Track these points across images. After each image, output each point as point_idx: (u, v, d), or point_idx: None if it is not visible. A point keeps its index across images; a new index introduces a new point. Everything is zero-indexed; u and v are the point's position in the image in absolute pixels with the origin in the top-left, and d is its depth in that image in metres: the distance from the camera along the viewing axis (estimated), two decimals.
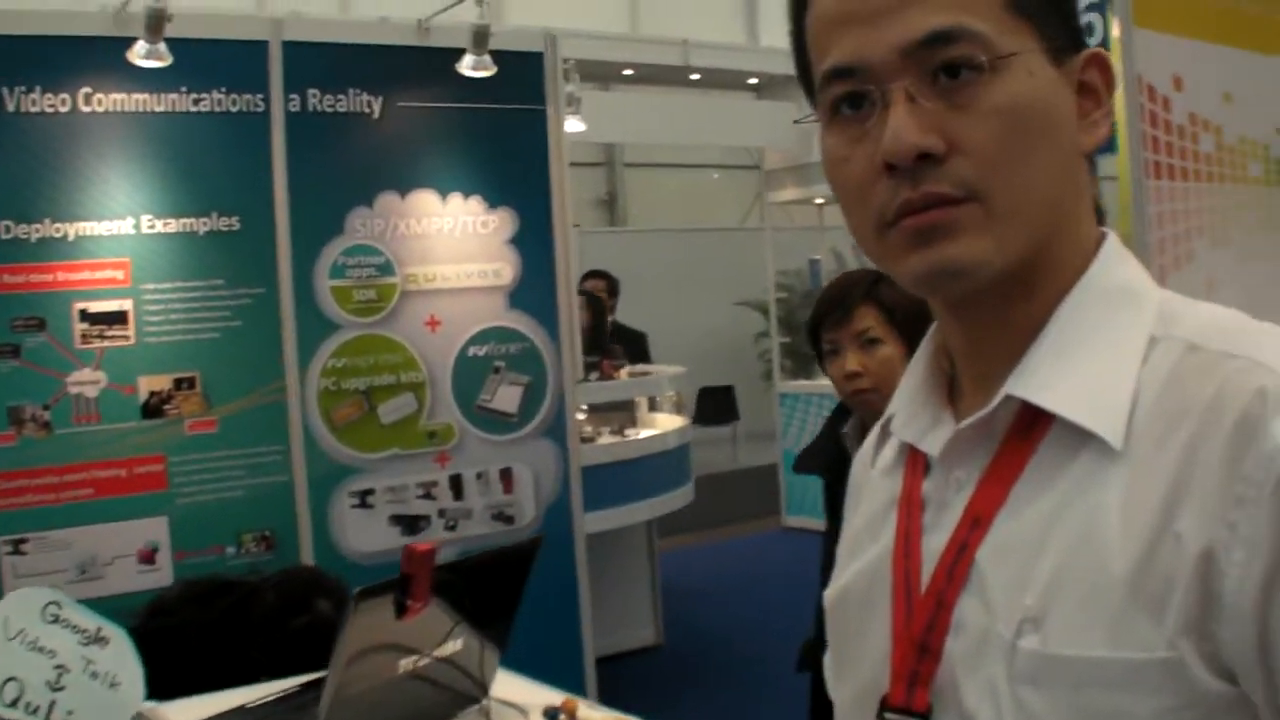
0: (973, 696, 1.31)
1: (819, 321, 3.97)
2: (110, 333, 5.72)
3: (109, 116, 5.74)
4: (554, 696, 3.15)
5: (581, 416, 7.98)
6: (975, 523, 1.35)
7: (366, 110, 6.34)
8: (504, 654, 3.12)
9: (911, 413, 1.50)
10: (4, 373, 5.54)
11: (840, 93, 1.35)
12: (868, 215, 1.36)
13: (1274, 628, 1.15)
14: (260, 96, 6.05)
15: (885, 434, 1.58)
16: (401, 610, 2.67)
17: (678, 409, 10.08)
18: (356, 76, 6.32)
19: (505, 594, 3.06)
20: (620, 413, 9.29)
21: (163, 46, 5.58)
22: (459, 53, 6.41)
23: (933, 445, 1.44)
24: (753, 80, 16.70)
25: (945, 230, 1.31)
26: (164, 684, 3.80)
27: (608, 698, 7.39)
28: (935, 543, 1.39)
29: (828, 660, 1.67)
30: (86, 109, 5.69)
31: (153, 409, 5.81)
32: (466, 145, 6.64)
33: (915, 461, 1.49)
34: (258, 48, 6.06)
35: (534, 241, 6.78)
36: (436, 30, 6.50)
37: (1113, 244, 1.42)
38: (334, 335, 6.26)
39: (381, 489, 6.37)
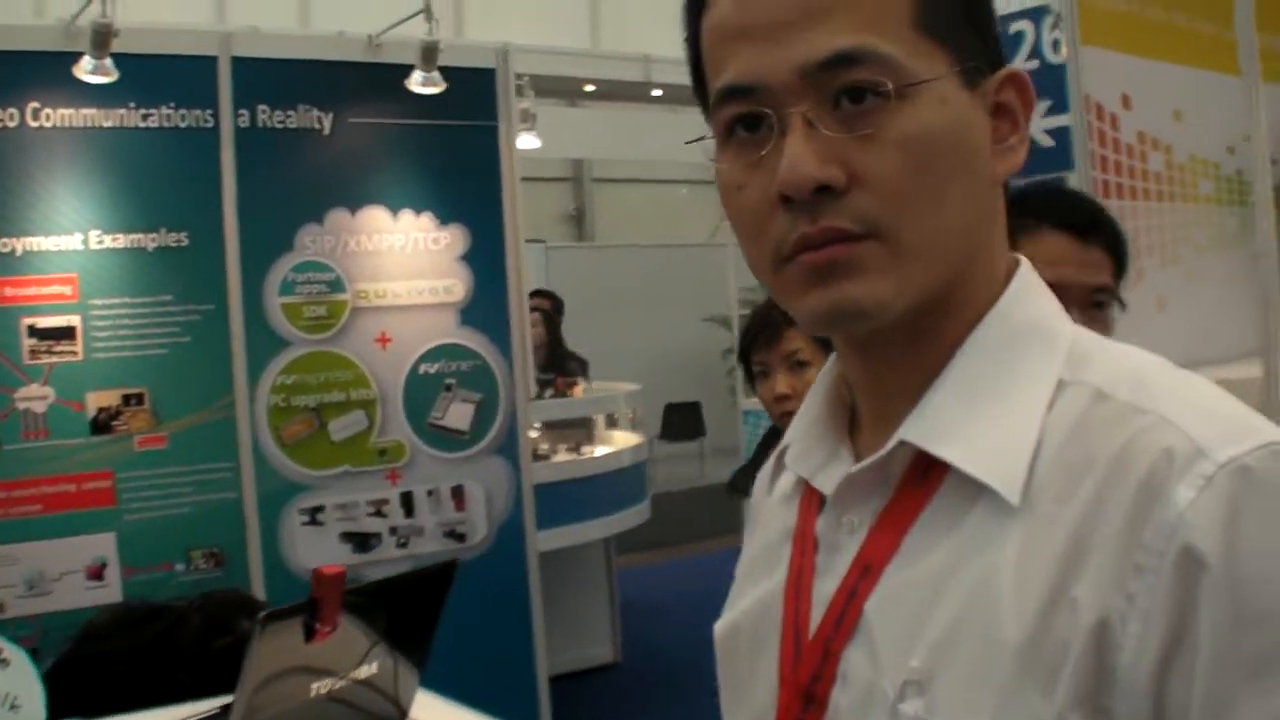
0: None
1: (749, 343, 3.97)
2: (58, 348, 5.71)
3: (57, 131, 5.73)
4: (475, 718, 3.14)
5: (535, 434, 7.97)
6: (865, 570, 1.29)
7: (317, 126, 6.34)
8: (422, 676, 3.11)
9: (807, 446, 1.43)
10: None
11: (735, 114, 1.27)
12: (764, 248, 1.28)
13: (1170, 704, 1.10)
14: (209, 112, 6.04)
15: (781, 463, 1.51)
16: (310, 634, 2.66)
17: (634, 426, 10.05)
18: (307, 92, 6.32)
19: (422, 616, 3.04)
20: (577, 430, 9.27)
21: (109, 62, 5.57)
22: (410, 69, 6.41)
23: (826, 483, 1.37)
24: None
25: (845, 268, 1.23)
26: (91, 709, 3.80)
27: (564, 715, 7.39)
28: (826, 587, 1.33)
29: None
30: (34, 124, 5.68)
31: (101, 425, 5.80)
32: (418, 161, 6.63)
33: (811, 496, 1.42)
34: (207, 63, 6.06)
35: (486, 258, 6.77)
36: (388, 46, 6.49)
37: (1024, 275, 1.36)
38: (284, 352, 6.26)
39: (332, 506, 6.36)
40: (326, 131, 6.37)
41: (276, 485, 6.23)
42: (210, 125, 6.05)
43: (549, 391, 8.90)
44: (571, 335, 10.82)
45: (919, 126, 1.22)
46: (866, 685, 1.25)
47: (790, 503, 1.47)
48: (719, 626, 1.54)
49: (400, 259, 6.55)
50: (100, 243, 5.82)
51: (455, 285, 6.67)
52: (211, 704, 3.09)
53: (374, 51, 6.46)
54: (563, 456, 8.75)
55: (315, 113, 6.33)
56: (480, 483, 6.74)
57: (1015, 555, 1.18)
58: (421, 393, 6.61)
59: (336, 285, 6.38)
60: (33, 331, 5.67)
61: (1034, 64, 12.47)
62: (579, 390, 9.27)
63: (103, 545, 5.77)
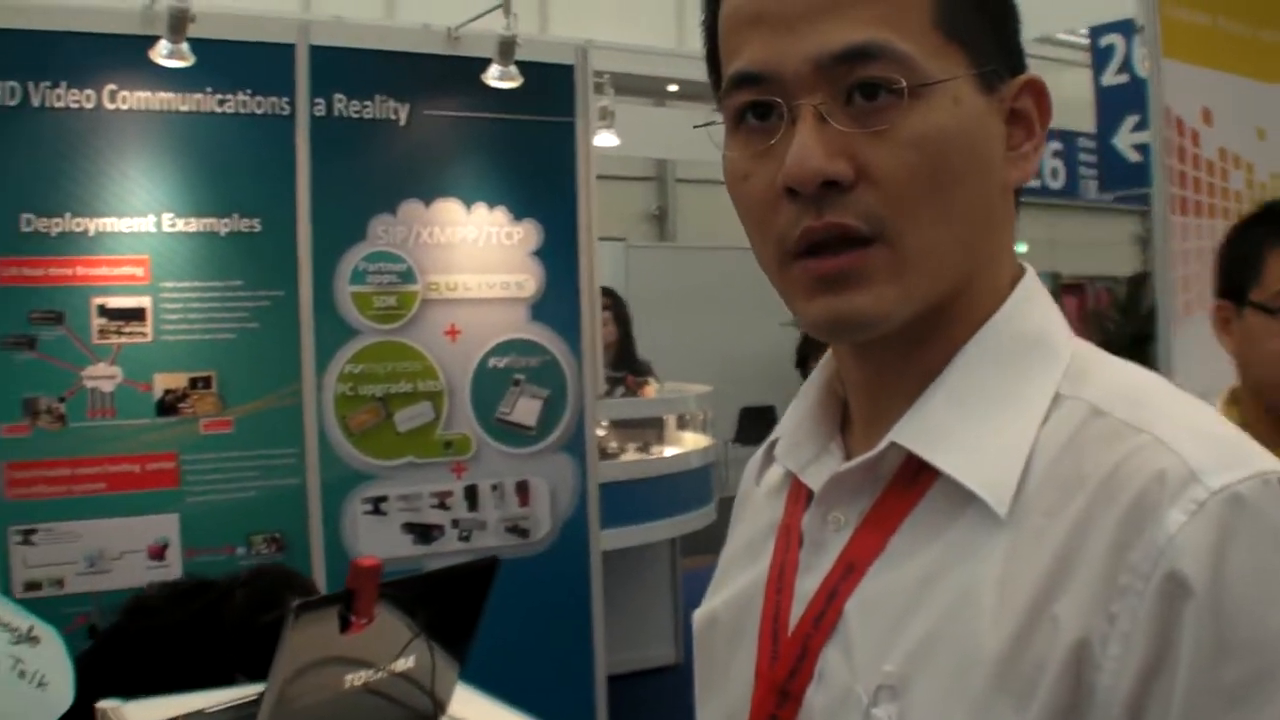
0: None
1: (808, 348, 3.95)
2: (128, 329, 5.74)
3: (133, 114, 5.76)
4: (515, 718, 3.13)
5: (603, 432, 7.96)
6: (849, 570, 1.28)
7: (393, 117, 6.35)
8: (462, 671, 3.11)
9: (797, 440, 1.42)
10: (21, 365, 5.56)
11: (746, 101, 1.25)
12: (769, 240, 1.27)
13: None
14: (286, 100, 6.06)
15: (770, 455, 1.48)
16: (346, 625, 2.65)
17: (705, 428, 10.00)
18: (384, 82, 6.32)
19: (463, 612, 3.04)
20: (647, 430, 9.26)
21: (185, 46, 5.59)
22: (488, 62, 6.39)
23: (814, 479, 1.35)
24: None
25: (852, 279, 1.22)
26: (138, 683, 3.82)
27: (622, 715, 7.37)
28: (808, 584, 1.32)
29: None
30: (111, 106, 5.71)
31: (168, 406, 5.83)
32: (493, 155, 6.62)
33: (799, 490, 1.41)
34: (285, 50, 6.08)
35: (558, 254, 6.75)
36: (467, 39, 6.48)
37: (1028, 284, 1.34)
38: (352, 341, 6.27)
39: (395, 496, 6.36)
40: (402, 122, 6.38)
41: (341, 473, 6.23)
42: (286, 113, 6.07)
43: (619, 390, 8.87)
44: (649, 335, 10.73)
45: (931, 126, 1.21)
46: (843, 686, 1.25)
47: (778, 496, 1.47)
48: (697, 617, 1.54)
49: (472, 252, 6.54)
50: (173, 226, 5.84)
51: (527, 280, 6.66)
52: (245, 691, 3.10)
53: (452, 44, 6.46)
54: (630, 456, 8.73)
55: (392, 103, 6.33)
56: (545, 479, 6.72)
57: (999, 567, 1.17)
58: (489, 386, 6.60)
59: (408, 276, 6.38)
60: (103, 311, 5.70)
61: (1124, 78, 12.40)
62: (650, 390, 9.23)
63: (165, 526, 5.80)
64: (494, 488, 6.59)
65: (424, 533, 6.40)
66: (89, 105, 5.66)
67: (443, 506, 6.46)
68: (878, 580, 1.25)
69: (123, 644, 4.15)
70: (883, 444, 1.27)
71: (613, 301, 10.46)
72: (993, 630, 1.14)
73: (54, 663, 2.68)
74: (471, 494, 6.54)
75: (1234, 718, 1.06)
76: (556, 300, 6.75)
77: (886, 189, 1.20)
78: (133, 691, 3.60)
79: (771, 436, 1.48)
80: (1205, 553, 1.08)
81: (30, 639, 2.65)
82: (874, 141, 1.20)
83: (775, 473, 1.49)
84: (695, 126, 1.40)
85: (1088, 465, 1.17)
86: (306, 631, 2.60)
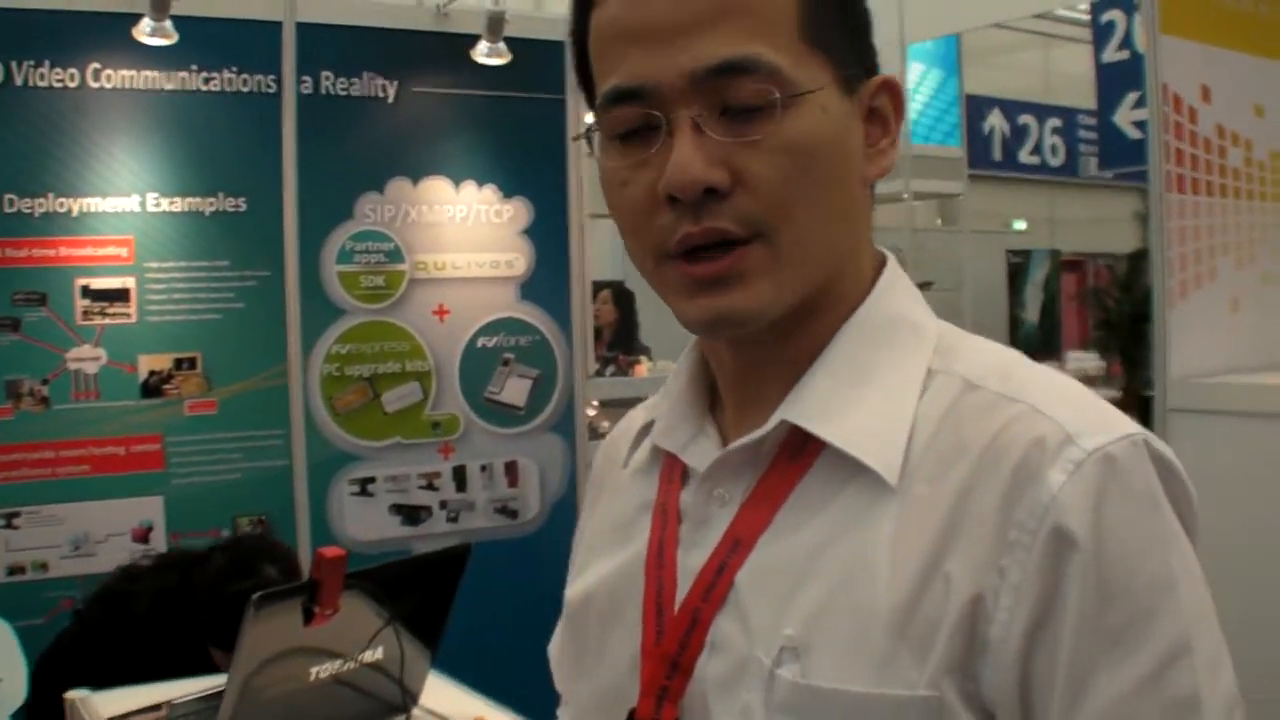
0: (724, 718, 1.30)
1: None
2: (112, 310, 5.69)
3: (117, 93, 5.71)
4: (485, 708, 3.11)
5: (593, 412, 7.91)
6: (736, 544, 1.34)
7: (380, 94, 6.29)
8: (434, 660, 3.08)
9: (672, 422, 1.47)
10: (3, 346, 5.52)
11: (624, 116, 1.30)
12: (646, 243, 1.33)
13: (1034, 671, 1.18)
14: (272, 77, 6.00)
15: (641, 437, 1.54)
16: (309, 617, 2.62)
17: None
18: (371, 60, 6.26)
19: (433, 601, 3.00)
20: None
21: (169, 24, 5.54)
22: (477, 39, 6.34)
23: (696, 459, 1.42)
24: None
25: (730, 280, 1.29)
26: (116, 652, 3.82)
27: None
28: (694, 560, 1.37)
29: (555, 651, 1.67)
30: (95, 85, 5.66)
31: (152, 388, 5.79)
32: (482, 133, 6.57)
33: (673, 470, 1.46)
34: (271, 28, 6.01)
35: (549, 233, 6.69)
36: (455, 15, 6.42)
37: (891, 272, 1.43)
38: (339, 321, 6.21)
39: (383, 478, 6.32)
40: (390, 100, 6.32)
41: (327, 455, 6.19)
42: (273, 91, 6.02)
43: (610, 369, 8.84)
44: (646, 315, 10.67)
45: (801, 134, 1.28)
46: (740, 656, 1.30)
47: (647, 476, 1.51)
48: (570, 595, 1.59)
49: (461, 231, 6.49)
50: (157, 205, 5.79)
51: (517, 259, 6.60)
52: (213, 681, 3.06)
53: (441, 20, 6.41)
54: (623, 424, 8.65)
55: (379, 81, 6.28)
56: (534, 459, 6.68)
57: (890, 532, 1.24)
58: (478, 366, 6.55)
59: (395, 255, 6.33)
60: (86, 292, 5.65)
61: (1124, 54, 12.36)
62: (641, 369, 9.20)
63: (149, 509, 5.76)
64: (483, 468, 6.54)
65: (412, 514, 6.36)
66: (72, 84, 5.61)
67: (431, 488, 6.42)
68: (767, 551, 1.32)
69: (104, 606, 4.15)
70: (772, 422, 1.33)
71: (615, 290, 10.44)
72: (889, 589, 1.22)
73: (7, 658, 2.65)
74: (460, 475, 6.49)
75: (1116, 656, 1.16)
76: (546, 279, 6.69)
77: (762, 194, 1.27)
78: (110, 663, 3.59)
79: (643, 420, 1.53)
80: (1085, 508, 1.17)
81: None
82: (749, 149, 1.27)
83: (641, 455, 1.54)
84: (574, 138, 1.44)
85: (968, 435, 1.26)
86: (268, 623, 2.57)
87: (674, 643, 1.34)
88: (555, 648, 1.69)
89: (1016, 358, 1.36)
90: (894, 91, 1.39)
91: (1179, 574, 1.20)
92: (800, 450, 1.33)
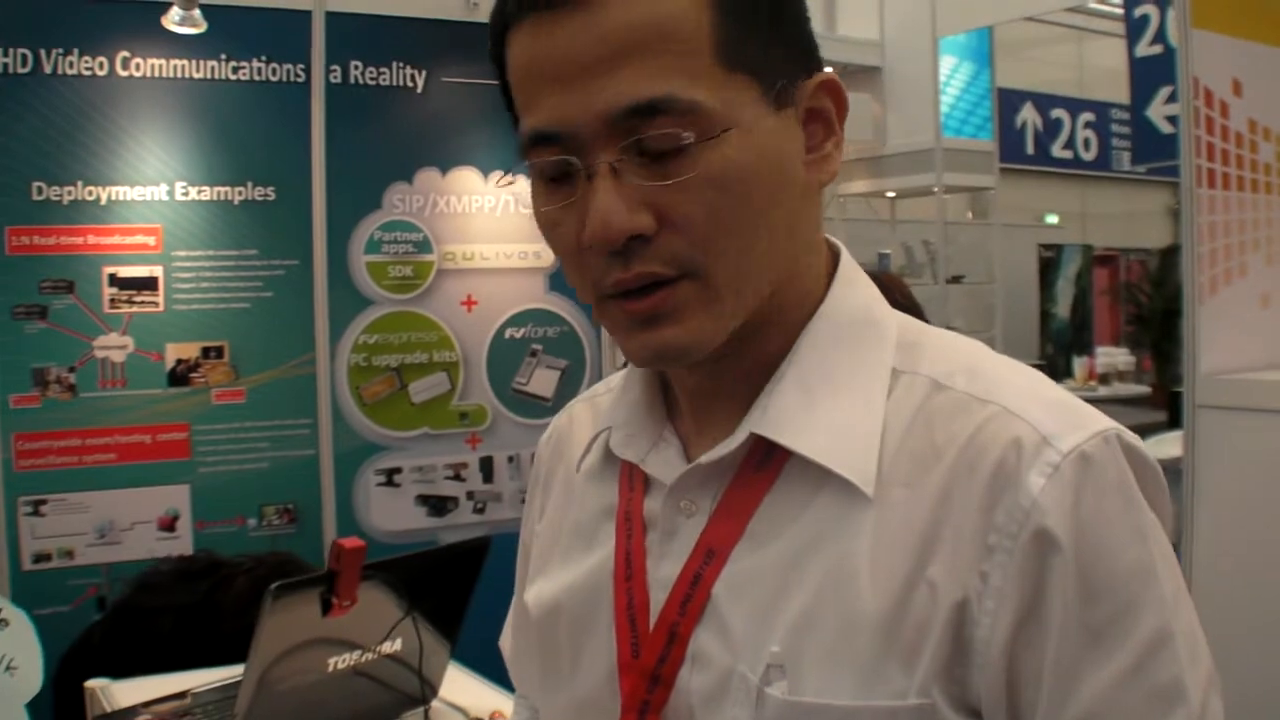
0: None
1: None
2: (139, 298, 5.71)
3: (146, 81, 5.72)
4: (504, 701, 3.10)
5: None
6: (709, 555, 1.31)
7: (409, 84, 6.30)
8: (454, 652, 3.07)
9: (630, 432, 1.44)
10: (31, 334, 5.54)
11: (545, 159, 1.26)
12: (584, 281, 1.30)
13: (1020, 671, 1.19)
14: (301, 66, 6.02)
15: (594, 442, 1.51)
16: (327, 608, 2.61)
17: None
18: (400, 49, 6.27)
19: (453, 593, 3.00)
20: None
21: (198, 13, 5.53)
22: None
23: (659, 469, 1.39)
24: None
25: (666, 316, 1.25)
26: (136, 659, 3.81)
27: None
28: (666, 571, 1.35)
29: (507, 650, 1.69)
30: (124, 73, 5.67)
31: (179, 377, 5.80)
32: (512, 123, 6.51)
33: (633, 476, 1.43)
34: (300, 17, 6.02)
35: None
36: (485, 4, 6.39)
37: (846, 267, 1.40)
38: (367, 311, 6.22)
39: (409, 468, 6.32)
40: (419, 89, 6.33)
41: (354, 444, 6.20)
42: (302, 80, 6.03)
43: None
44: None
45: (725, 167, 1.22)
46: (723, 669, 1.28)
47: (602, 480, 1.48)
48: (534, 599, 1.54)
49: (490, 221, 6.49)
50: (186, 194, 5.81)
51: (545, 250, 6.55)
52: (232, 672, 3.06)
53: (470, 10, 6.39)
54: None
55: (409, 70, 6.28)
56: None
57: (869, 540, 1.23)
58: (506, 357, 6.56)
59: (424, 245, 6.34)
60: (114, 280, 5.67)
61: (1158, 49, 12.30)
62: None
63: (176, 497, 5.78)
64: (510, 459, 6.54)
65: (438, 504, 6.36)
66: (101, 72, 5.63)
67: (457, 478, 6.42)
68: (743, 563, 1.29)
69: (127, 619, 4.14)
70: (739, 436, 1.31)
71: None
72: (872, 599, 1.21)
73: (24, 647, 2.64)
74: (487, 465, 6.49)
75: (1100, 651, 1.17)
76: None
77: (690, 233, 1.23)
78: (129, 671, 3.58)
79: (601, 428, 1.49)
80: (1065, 509, 1.18)
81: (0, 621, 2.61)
82: (672, 190, 1.22)
83: (594, 458, 1.51)
84: (498, 185, 1.41)
85: (940, 437, 1.25)
86: (286, 614, 2.56)
87: (653, 656, 1.33)
88: (508, 647, 1.71)
89: (980, 352, 1.35)
90: (834, 90, 1.33)
91: (1157, 561, 1.21)
92: (767, 459, 1.31)
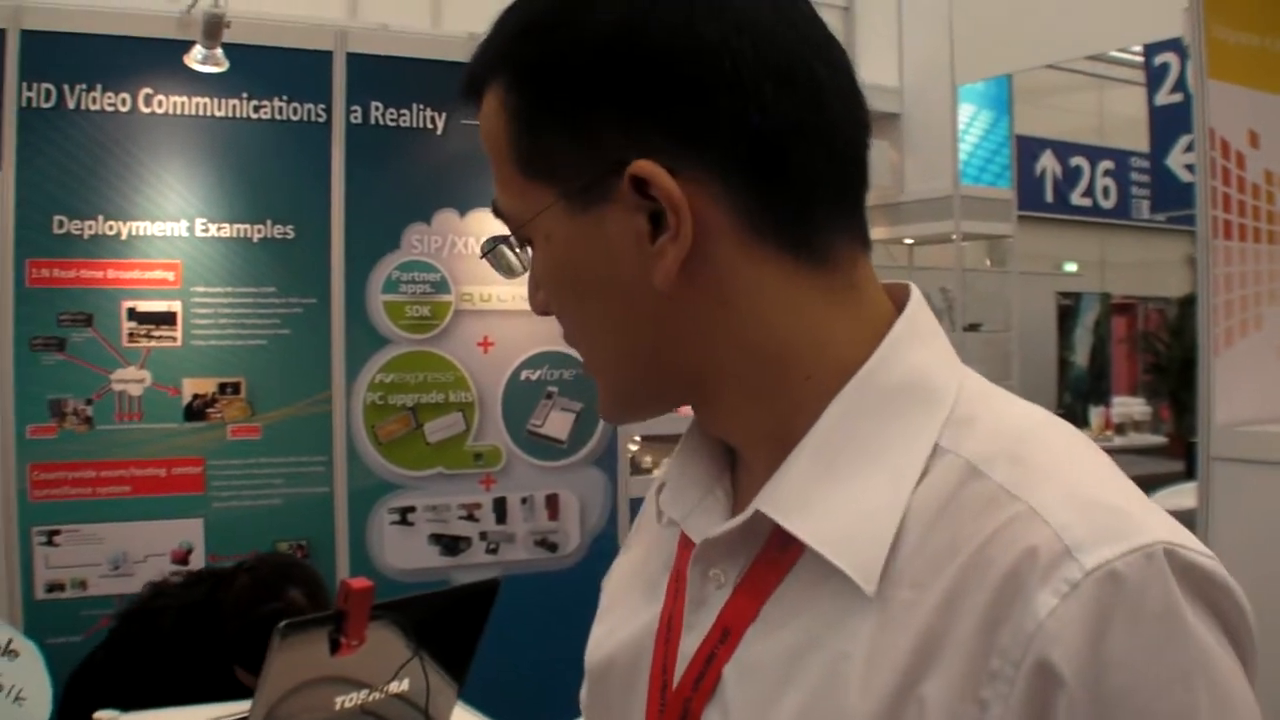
0: None
1: None
2: (158, 333, 5.73)
3: (168, 118, 5.76)
4: None
5: (635, 447, 7.90)
6: (725, 635, 1.23)
7: (429, 125, 6.32)
8: (461, 693, 3.08)
9: (681, 486, 1.36)
10: (49, 366, 5.56)
11: None
12: None
13: None
14: (322, 106, 6.05)
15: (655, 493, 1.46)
16: (335, 646, 2.63)
17: None
18: (420, 91, 6.28)
19: (461, 634, 3.01)
20: None
21: (220, 52, 5.58)
22: None
23: (695, 529, 1.30)
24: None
25: (591, 380, 1.34)
26: (143, 673, 3.83)
27: None
28: (689, 644, 1.27)
29: (585, 703, 1.57)
30: (146, 109, 5.71)
31: (196, 411, 5.82)
32: None
33: (686, 536, 1.34)
34: (321, 57, 6.06)
35: None
36: None
37: (901, 327, 1.24)
38: (384, 350, 6.24)
39: (423, 507, 6.33)
40: (439, 131, 6.35)
41: (369, 483, 6.21)
42: (322, 120, 6.06)
43: None
44: None
45: (539, 268, 1.29)
46: None
47: (672, 531, 1.41)
48: (594, 656, 1.49)
49: None
50: (205, 231, 5.84)
51: None
52: (240, 707, 3.08)
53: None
54: (663, 471, 8.61)
55: (429, 112, 6.31)
56: (575, 493, 6.67)
57: (866, 643, 1.11)
58: (521, 399, 6.55)
59: (441, 286, 6.35)
60: (133, 315, 5.70)
61: (1177, 97, 12.32)
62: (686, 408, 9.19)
63: (189, 531, 5.79)
64: (523, 500, 6.54)
65: (451, 544, 6.36)
66: (124, 108, 5.67)
67: (471, 518, 6.42)
68: (752, 648, 1.21)
69: (133, 622, 4.17)
70: (747, 513, 1.21)
71: None
72: (860, 708, 1.09)
73: (32, 678, 2.66)
74: (500, 506, 6.49)
75: None
76: None
77: (559, 321, 1.32)
78: (136, 683, 3.60)
79: (657, 482, 1.44)
80: (1079, 640, 1.01)
81: (8, 652, 2.63)
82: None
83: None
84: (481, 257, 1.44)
85: (961, 536, 1.10)
86: (295, 652, 2.57)
87: None
88: (585, 697, 1.60)
89: (1038, 428, 1.20)
90: (654, 179, 1.17)
91: (1205, 711, 1.02)
92: (788, 542, 1.20)
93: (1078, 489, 1.11)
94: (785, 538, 1.20)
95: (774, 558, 1.22)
